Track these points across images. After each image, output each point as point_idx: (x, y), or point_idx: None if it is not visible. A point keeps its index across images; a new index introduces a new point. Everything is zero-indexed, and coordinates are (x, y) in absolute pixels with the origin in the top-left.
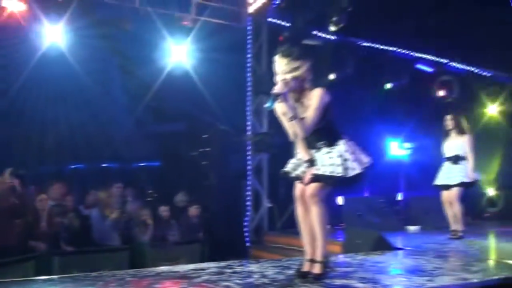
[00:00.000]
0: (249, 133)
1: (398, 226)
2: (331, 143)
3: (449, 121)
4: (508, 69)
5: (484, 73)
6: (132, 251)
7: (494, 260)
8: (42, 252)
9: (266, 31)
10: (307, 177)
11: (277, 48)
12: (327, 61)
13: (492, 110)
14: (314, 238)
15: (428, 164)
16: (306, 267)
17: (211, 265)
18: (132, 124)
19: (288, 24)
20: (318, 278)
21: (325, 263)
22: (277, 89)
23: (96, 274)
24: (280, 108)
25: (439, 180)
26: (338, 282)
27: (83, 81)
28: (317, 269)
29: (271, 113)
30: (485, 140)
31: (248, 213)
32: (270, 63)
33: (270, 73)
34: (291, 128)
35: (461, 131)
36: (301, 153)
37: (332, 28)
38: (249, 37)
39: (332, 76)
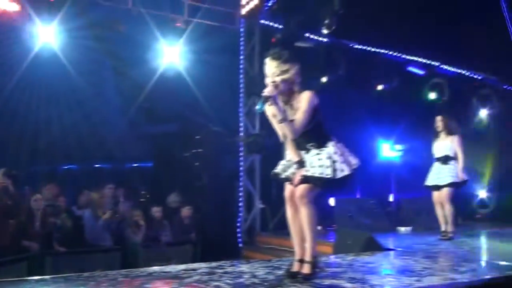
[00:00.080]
0: (241, 134)
1: (389, 227)
2: (320, 145)
3: (439, 122)
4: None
5: (475, 76)
6: (125, 252)
7: (483, 261)
8: (34, 252)
9: (258, 33)
10: (297, 178)
11: (268, 50)
12: (319, 63)
13: (483, 113)
14: (304, 239)
15: (419, 166)
16: (295, 267)
17: (202, 266)
18: (124, 125)
19: (280, 26)
20: (307, 278)
21: (315, 263)
22: (266, 91)
23: (88, 274)
24: (270, 110)
25: (430, 180)
26: (327, 282)
27: (75, 81)
28: (306, 269)
29: (263, 115)
30: (476, 143)
31: (240, 214)
32: (262, 64)
33: (263, 75)
34: (281, 130)
35: (450, 132)
36: (290, 154)
37: (324, 31)
38: (241, 38)
39: (324, 78)
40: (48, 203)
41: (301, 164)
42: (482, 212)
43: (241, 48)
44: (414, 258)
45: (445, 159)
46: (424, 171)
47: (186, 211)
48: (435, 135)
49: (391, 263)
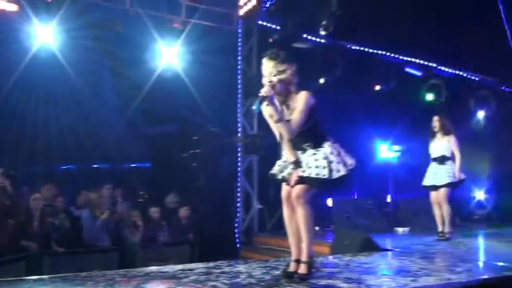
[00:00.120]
0: (239, 135)
1: (387, 228)
2: (317, 145)
3: (435, 122)
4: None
5: (472, 77)
6: (123, 252)
7: (479, 261)
8: (33, 252)
9: (256, 34)
10: (293, 179)
11: (266, 51)
12: (317, 64)
13: (480, 114)
14: (300, 239)
15: (416, 166)
16: (292, 268)
17: (200, 266)
18: (122, 125)
19: (278, 27)
20: (303, 278)
21: (311, 264)
22: (263, 91)
23: (85, 274)
24: (267, 110)
25: (427, 181)
26: (323, 282)
27: (74, 82)
28: (303, 269)
29: (261, 115)
30: (473, 144)
31: (238, 214)
32: (260, 65)
33: (260, 76)
34: (278, 130)
35: (446, 132)
36: (287, 154)
37: (322, 32)
38: (239, 39)
39: (321, 80)
40: (46, 203)
41: (297, 164)
42: (480, 213)
43: (239, 49)
44: (411, 258)
45: (442, 159)
46: (421, 171)
47: (184, 212)
48: (432, 135)
49: (388, 264)
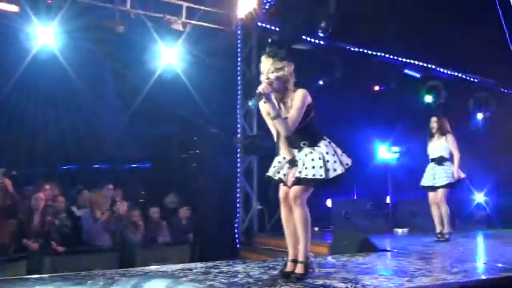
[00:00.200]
0: (239, 135)
1: (386, 229)
2: (313, 143)
3: (434, 122)
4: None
5: (472, 79)
6: (123, 252)
7: (476, 262)
8: (33, 251)
9: (255, 36)
10: (290, 179)
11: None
12: (316, 66)
13: (479, 115)
14: (297, 240)
15: (415, 168)
16: (289, 267)
17: (198, 265)
18: (123, 126)
19: (277, 29)
20: (300, 278)
21: (308, 264)
22: (260, 88)
23: (85, 273)
24: (264, 107)
25: (425, 181)
26: (320, 282)
27: (74, 82)
28: (299, 269)
29: (261, 116)
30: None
31: (238, 215)
32: (259, 67)
33: (260, 77)
34: (275, 128)
35: (444, 132)
36: (283, 153)
37: (320, 34)
38: (239, 41)
39: (320, 81)
40: (47, 203)
41: (293, 163)
42: (479, 215)
43: (239, 50)
44: (408, 259)
45: (440, 160)
46: (420, 173)
47: (184, 212)
48: (430, 135)
49: (385, 264)
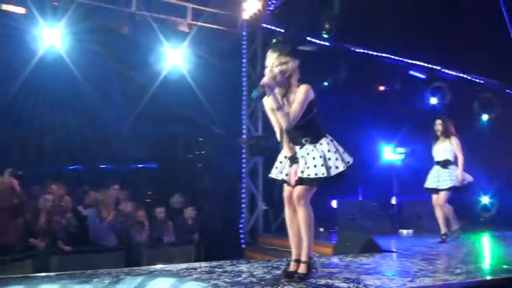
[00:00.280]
0: (244, 136)
1: (391, 230)
2: (315, 140)
3: (439, 125)
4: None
5: (477, 80)
6: (129, 251)
7: (480, 263)
8: (40, 251)
9: (260, 37)
10: (293, 178)
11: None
12: (321, 67)
13: (484, 117)
14: (301, 239)
15: (421, 169)
16: (292, 267)
17: (203, 265)
18: (129, 127)
19: (282, 30)
20: (303, 277)
21: (310, 264)
22: (264, 80)
23: (91, 272)
24: (268, 102)
25: (429, 183)
26: (323, 281)
27: (80, 84)
28: (302, 269)
29: (266, 117)
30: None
31: (243, 215)
32: (264, 68)
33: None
34: (277, 125)
35: (449, 135)
36: (284, 151)
37: (324, 35)
38: (244, 42)
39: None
40: (54, 203)
41: (293, 160)
42: (485, 216)
43: (244, 51)
44: (412, 260)
45: (445, 163)
46: (425, 174)
47: (189, 212)
48: (435, 138)
49: (388, 265)
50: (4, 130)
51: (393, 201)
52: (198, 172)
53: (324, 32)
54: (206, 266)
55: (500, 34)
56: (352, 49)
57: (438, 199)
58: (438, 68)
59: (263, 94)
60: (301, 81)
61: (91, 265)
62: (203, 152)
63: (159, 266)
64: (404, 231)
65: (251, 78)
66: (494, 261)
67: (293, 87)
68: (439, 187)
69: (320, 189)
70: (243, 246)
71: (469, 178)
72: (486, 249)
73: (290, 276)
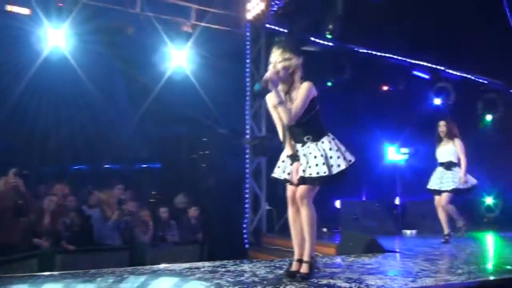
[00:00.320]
0: (247, 136)
1: (395, 230)
2: (317, 138)
3: (443, 126)
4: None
5: (481, 80)
6: (133, 251)
7: (482, 264)
8: (44, 250)
9: (264, 37)
10: (295, 176)
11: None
12: (325, 67)
13: (488, 117)
14: (303, 239)
15: (424, 169)
16: (294, 267)
17: (206, 264)
18: (133, 127)
19: (285, 30)
20: (305, 277)
21: (313, 263)
22: (267, 74)
23: (95, 271)
24: (271, 101)
25: (431, 184)
26: (324, 281)
27: (85, 84)
28: (304, 268)
29: (269, 118)
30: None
31: (246, 215)
32: (268, 66)
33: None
34: (280, 122)
35: (452, 136)
36: (285, 149)
37: (328, 35)
38: (247, 42)
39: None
40: (58, 202)
41: (294, 157)
42: (489, 217)
43: (247, 51)
44: (414, 260)
45: (449, 165)
46: (429, 174)
47: (193, 212)
48: (438, 140)
49: (390, 265)
50: (9, 130)
51: (397, 201)
52: (202, 172)
53: (327, 32)
54: (209, 266)
55: (504, 34)
56: (356, 49)
57: (440, 200)
58: (442, 68)
59: (266, 88)
60: (304, 79)
61: (95, 264)
62: (207, 152)
63: (162, 266)
64: (408, 232)
65: (255, 79)
66: (497, 262)
67: (296, 84)
68: (442, 189)
69: (322, 187)
70: (247, 246)
71: (472, 180)
72: (489, 249)
73: (292, 275)
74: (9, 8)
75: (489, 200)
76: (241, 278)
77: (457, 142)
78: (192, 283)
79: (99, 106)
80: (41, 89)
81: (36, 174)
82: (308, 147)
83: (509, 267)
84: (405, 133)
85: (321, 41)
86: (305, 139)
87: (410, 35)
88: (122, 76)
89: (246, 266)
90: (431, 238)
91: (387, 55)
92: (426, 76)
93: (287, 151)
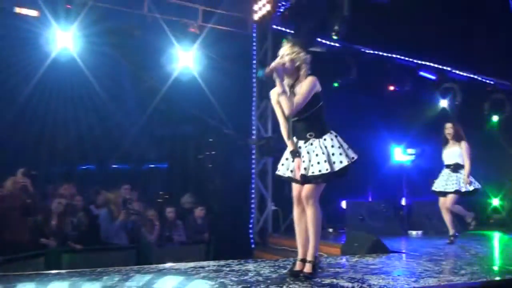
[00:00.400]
0: (254, 137)
1: (400, 231)
2: (319, 135)
3: (449, 128)
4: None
5: (487, 81)
6: (139, 250)
7: (486, 265)
8: (52, 249)
9: (270, 38)
10: (297, 172)
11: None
12: (331, 68)
13: (495, 118)
14: (308, 239)
15: (431, 170)
16: (298, 267)
17: (211, 264)
18: (140, 127)
19: (292, 32)
20: (308, 277)
21: (316, 263)
22: (272, 64)
23: (101, 270)
24: (274, 95)
25: (437, 186)
26: (327, 281)
27: (93, 85)
28: (308, 268)
29: (276, 118)
30: (488, 148)
31: (252, 215)
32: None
33: (274, 80)
34: (283, 117)
35: (458, 138)
36: (287, 143)
37: (334, 36)
38: (254, 43)
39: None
40: (65, 202)
41: (295, 153)
42: (495, 218)
43: (254, 52)
44: (418, 260)
45: (455, 167)
46: (435, 175)
47: (199, 212)
48: (444, 141)
49: (394, 265)
50: (17, 131)
51: (403, 202)
52: (208, 172)
53: (333, 33)
54: (214, 265)
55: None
56: (362, 50)
57: (445, 202)
58: (449, 69)
59: (270, 77)
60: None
61: (102, 263)
62: (213, 152)
63: (168, 265)
64: (414, 232)
65: (261, 79)
66: (501, 263)
67: (301, 78)
68: (447, 190)
69: (328, 188)
70: (252, 246)
71: (476, 184)
72: (494, 250)
73: (295, 275)
74: (18, 10)
75: (495, 201)
76: (245, 277)
77: (463, 145)
78: (197, 282)
79: (106, 107)
80: (49, 90)
81: (44, 174)
82: (311, 144)
83: (506, 267)
84: (412, 133)
85: (327, 42)
86: (307, 135)
87: (417, 36)
88: (129, 77)
89: (250, 266)
90: (437, 239)
91: (393, 55)
92: (433, 77)
93: (288, 147)
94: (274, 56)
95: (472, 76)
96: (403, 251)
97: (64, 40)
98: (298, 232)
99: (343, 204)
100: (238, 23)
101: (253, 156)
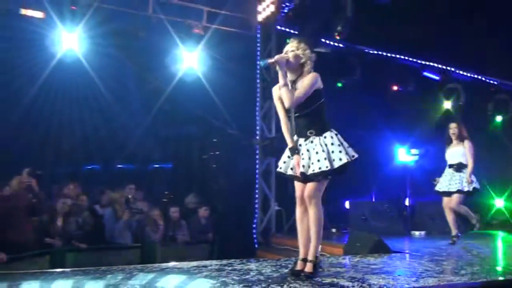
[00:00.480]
0: (257, 137)
1: (404, 231)
2: (320, 132)
3: (453, 128)
4: None
5: (491, 81)
6: (143, 250)
7: (487, 265)
8: (57, 248)
9: (274, 39)
10: (297, 169)
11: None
12: (335, 68)
13: (499, 118)
14: (309, 239)
15: (434, 170)
16: (299, 266)
17: (213, 263)
18: (145, 128)
19: (296, 32)
20: (309, 276)
21: (317, 263)
22: (276, 56)
23: (105, 268)
24: (276, 92)
25: (440, 186)
26: (328, 280)
27: (98, 86)
28: (309, 268)
29: (279, 119)
30: (491, 149)
31: (256, 215)
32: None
33: (278, 80)
34: (284, 115)
35: (462, 138)
36: (287, 140)
37: (337, 37)
38: (258, 44)
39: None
40: (70, 202)
41: (294, 150)
42: (499, 219)
43: (258, 53)
44: (420, 261)
45: (459, 167)
46: (439, 175)
47: (203, 212)
48: (448, 141)
49: (395, 265)
50: (23, 131)
51: (407, 202)
52: (212, 173)
53: (337, 34)
54: (216, 264)
55: None
56: (366, 50)
57: (450, 202)
58: (452, 69)
59: (273, 68)
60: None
61: (106, 262)
62: (217, 152)
63: (171, 264)
64: (417, 233)
65: (265, 80)
66: (502, 263)
67: (304, 74)
68: (451, 190)
69: (331, 188)
70: (256, 246)
71: (476, 183)
72: (496, 251)
73: (296, 274)
74: (24, 11)
75: (499, 202)
76: (247, 277)
77: (467, 144)
78: (199, 280)
79: (111, 107)
80: (55, 91)
81: (50, 174)
82: (311, 141)
83: (507, 267)
84: (415, 134)
85: (331, 43)
86: (308, 133)
87: (420, 36)
88: (134, 78)
89: (252, 265)
90: (440, 239)
91: (397, 56)
92: (436, 77)
93: (288, 143)
94: None
95: (476, 76)
96: (405, 251)
97: (70, 42)
98: (300, 231)
99: (347, 204)
100: (242, 24)
101: (257, 157)
